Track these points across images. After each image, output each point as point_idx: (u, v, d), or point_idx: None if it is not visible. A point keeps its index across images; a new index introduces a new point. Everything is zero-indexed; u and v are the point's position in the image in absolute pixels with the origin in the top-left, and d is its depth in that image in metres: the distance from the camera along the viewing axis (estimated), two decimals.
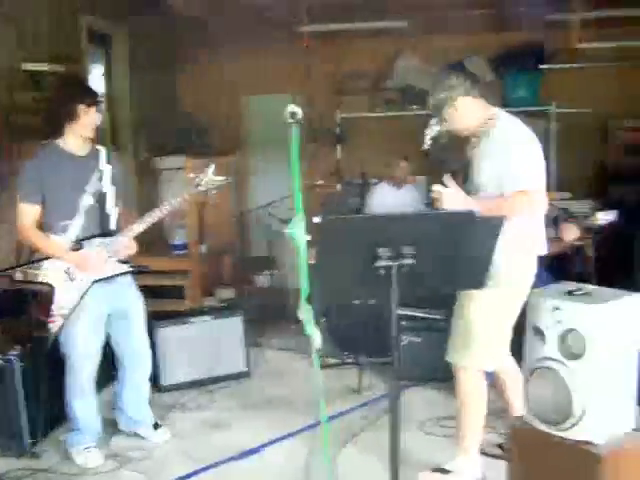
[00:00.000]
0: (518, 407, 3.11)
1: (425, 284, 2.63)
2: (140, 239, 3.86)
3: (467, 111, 3.40)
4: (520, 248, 3.31)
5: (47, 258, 3.66)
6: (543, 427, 2.33)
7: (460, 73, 3.45)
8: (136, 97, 7.72)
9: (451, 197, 3.26)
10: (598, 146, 8.80)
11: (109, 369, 4.30)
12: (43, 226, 3.71)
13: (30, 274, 3.70)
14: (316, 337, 3.12)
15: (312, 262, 3.03)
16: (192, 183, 3.79)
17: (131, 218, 3.85)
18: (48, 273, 3.69)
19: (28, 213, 3.69)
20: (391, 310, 2.60)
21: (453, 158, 3.66)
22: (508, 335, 3.40)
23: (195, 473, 3.79)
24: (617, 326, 2.19)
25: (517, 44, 8.42)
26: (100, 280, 3.74)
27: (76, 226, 3.71)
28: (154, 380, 4.54)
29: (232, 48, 8.93)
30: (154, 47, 8.42)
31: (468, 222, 2.55)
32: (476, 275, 2.65)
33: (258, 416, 4.53)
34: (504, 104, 3.67)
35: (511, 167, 3.21)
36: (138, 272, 3.98)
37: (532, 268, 3.40)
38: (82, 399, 3.90)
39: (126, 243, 3.76)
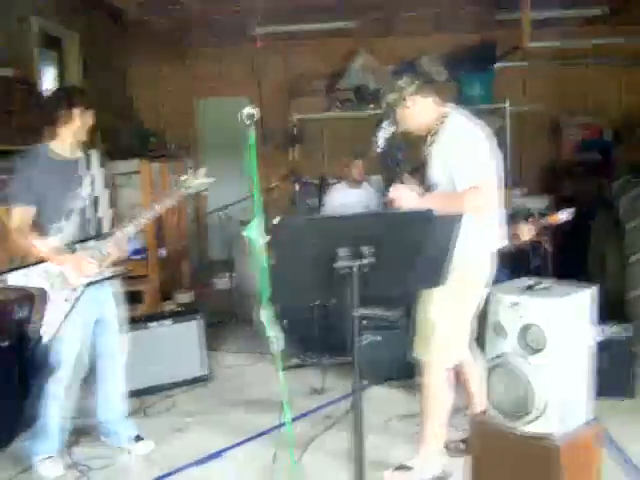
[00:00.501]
0: (480, 402, 3.15)
1: (384, 283, 2.63)
2: None
3: (418, 110, 3.44)
4: (474, 244, 3.33)
5: (41, 262, 3.64)
6: (504, 421, 2.36)
7: (410, 73, 3.47)
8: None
9: (407, 196, 3.32)
10: (551, 143, 8.96)
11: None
12: (35, 229, 3.66)
13: (25, 278, 3.64)
14: (277, 339, 3.13)
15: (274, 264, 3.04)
16: (182, 185, 3.79)
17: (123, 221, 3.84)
18: (42, 277, 3.65)
19: (21, 215, 3.64)
20: (351, 310, 2.60)
21: (408, 158, 3.68)
22: (468, 330, 3.44)
23: (159, 479, 3.75)
24: (575, 319, 2.23)
25: (470, 43, 8.53)
26: (92, 283, 3.73)
27: (69, 228, 3.70)
28: None
29: (184, 51, 8.90)
30: (106, 50, 8.33)
31: (426, 221, 2.56)
32: (435, 273, 2.66)
33: (220, 420, 4.50)
34: (459, 102, 3.72)
35: (459, 163, 3.26)
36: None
37: (487, 263, 3.45)
38: (59, 405, 3.83)
39: (118, 245, 3.76)
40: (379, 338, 4.93)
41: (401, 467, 3.60)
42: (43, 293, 3.66)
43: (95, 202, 3.81)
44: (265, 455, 3.82)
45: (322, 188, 6.41)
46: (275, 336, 3.09)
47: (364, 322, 4.90)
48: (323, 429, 4.26)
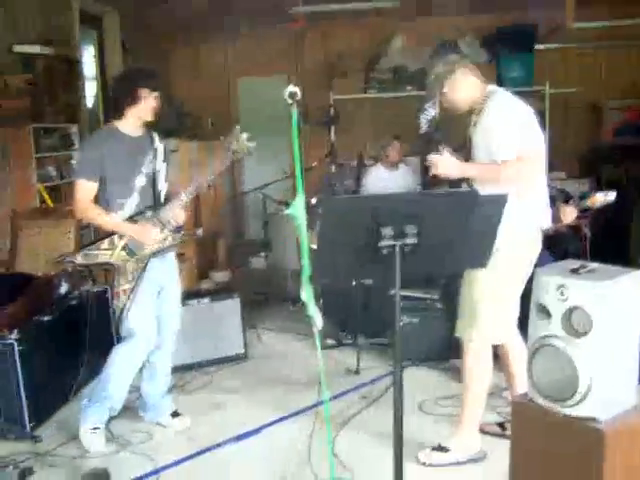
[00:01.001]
0: (521, 384, 3.14)
1: (428, 264, 2.63)
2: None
3: (466, 85, 3.44)
4: (522, 221, 3.32)
5: (106, 237, 3.77)
6: (547, 404, 2.35)
7: (458, 49, 3.47)
8: None
9: (445, 163, 3.32)
10: (591, 126, 8.82)
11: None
12: (99, 204, 3.77)
13: (91, 255, 3.78)
14: (317, 318, 3.13)
15: (312, 245, 3.04)
16: (228, 149, 3.82)
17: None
18: (107, 252, 3.78)
19: (86, 189, 3.74)
20: (392, 290, 2.61)
21: (447, 141, 3.65)
22: (514, 309, 3.44)
23: (196, 454, 3.80)
24: (622, 303, 2.20)
25: (510, 24, 8.41)
26: (157, 253, 3.84)
27: (131, 204, 3.79)
28: None
29: (224, 30, 8.89)
30: (145, 29, 8.37)
31: (471, 201, 2.55)
32: (480, 254, 2.65)
33: (257, 398, 4.54)
34: (498, 84, 3.71)
35: (502, 135, 3.24)
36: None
37: (534, 243, 3.43)
38: (124, 376, 3.92)
39: (176, 212, 3.84)
40: (416, 320, 4.92)
41: (438, 448, 3.62)
42: (111, 266, 3.79)
43: (155, 177, 3.88)
44: (302, 433, 3.85)
45: (359, 169, 6.39)
46: (315, 315, 3.09)
47: (401, 304, 4.90)
48: (359, 409, 4.28)
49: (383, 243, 2.42)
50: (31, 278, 4.80)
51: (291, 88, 2.98)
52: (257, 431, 4.04)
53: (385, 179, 6.42)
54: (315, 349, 3.16)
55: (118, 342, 4.02)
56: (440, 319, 4.97)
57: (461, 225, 2.52)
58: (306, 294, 3.06)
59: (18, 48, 5.68)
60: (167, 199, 3.94)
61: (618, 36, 8.22)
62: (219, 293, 5.24)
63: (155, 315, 3.97)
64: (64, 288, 4.77)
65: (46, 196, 5.82)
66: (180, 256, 6.22)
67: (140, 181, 3.81)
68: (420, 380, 4.66)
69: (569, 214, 4.15)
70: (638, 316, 2.32)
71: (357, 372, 4.87)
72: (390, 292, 4.78)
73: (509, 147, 3.23)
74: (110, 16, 7.72)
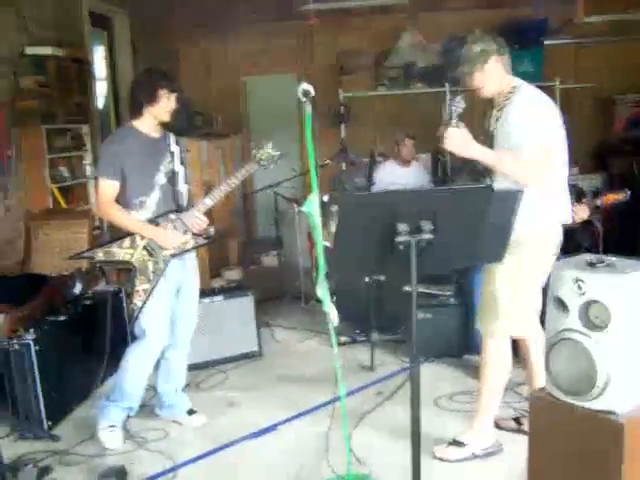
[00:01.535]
0: (540, 378, 3.14)
1: (443, 259, 2.63)
2: None
3: (495, 73, 3.41)
4: (544, 214, 3.34)
5: (126, 236, 3.81)
6: (565, 398, 2.35)
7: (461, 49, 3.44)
8: None
9: (456, 136, 3.24)
10: (602, 121, 8.78)
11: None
12: (120, 203, 3.81)
13: (111, 253, 3.82)
14: (333, 314, 3.14)
15: (325, 242, 3.05)
16: (253, 158, 3.91)
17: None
18: (128, 251, 3.82)
19: (108, 188, 3.79)
20: (407, 286, 2.62)
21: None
22: (536, 303, 3.43)
23: (212, 452, 3.82)
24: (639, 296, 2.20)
25: (520, 19, 8.38)
26: (178, 254, 3.89)
27: (152, 203, 3.83)
28: None
29: (233, 29, 8.90)
30: (155, 29, 8.39)
31: (486, 196, 2.55)
32: (495, 249, 2.66)
33: (272, 395, 4.56)
34: None
35: (527, 129, 3.22)
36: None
37: (555, 234, 3.43)
38: (139, 375, 3.96)
39: (199, 216, 3.88)
40: (430, 316, 4.92)
41: (454, 442, 3.62)
42: (131, 265, 3.82)
43: (174, 178, 3.91)
44: (318, 430, 3.86)
45: (371, 166, 6.39)
46: (331, 312, 3.10)
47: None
48: (375, 405, 4.29)
49: (399, 239, 2.43)
50: (45, 279, 4.84)
51: (305, 86, 2.99)
52: (273, 428, 4.06)
53: (397, 175, 6.43)
54: (328, 346, 3.19)
55: (132, 341, 4.05)
56: (454, 315, 4.98)
57: (476, 220, 2.53)
58: (322, 291, 3.07)
59: (30, 50, 5.71)
60: (189, 202, 3.98)
61: (628, 30, 8.19)
62: (233, 291, 5.25)
63: (171, 314, 4.00)
64: (78, 288, 4.81)
65: (59, 197, 5.85)
66: None
67: (160, 179, 3.85)
68: (435, 376, 4.66)
69: (581, 212, 4.14)
70: None
71: (371, 368, 4.88)
72: (405, 288, 4.80)
73: (535, 146, 3.21)
74: (120, 17, 7.75)
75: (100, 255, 3.82)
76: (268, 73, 9.24)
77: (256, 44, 9.20)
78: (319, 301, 3.17)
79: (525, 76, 8.16)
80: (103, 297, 4.57)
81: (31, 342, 3.95)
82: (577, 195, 5.52)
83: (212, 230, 5.91)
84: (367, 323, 5.12)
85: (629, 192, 4.26)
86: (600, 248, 5.57)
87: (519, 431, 3.74)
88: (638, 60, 8.51)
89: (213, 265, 6.70)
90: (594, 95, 8.66)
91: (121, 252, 3.81)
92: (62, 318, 4.36)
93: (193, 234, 3.93)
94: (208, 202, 3.89)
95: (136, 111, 3.86)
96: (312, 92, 3.00)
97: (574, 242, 5.52)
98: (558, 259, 3.32)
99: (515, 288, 3.38)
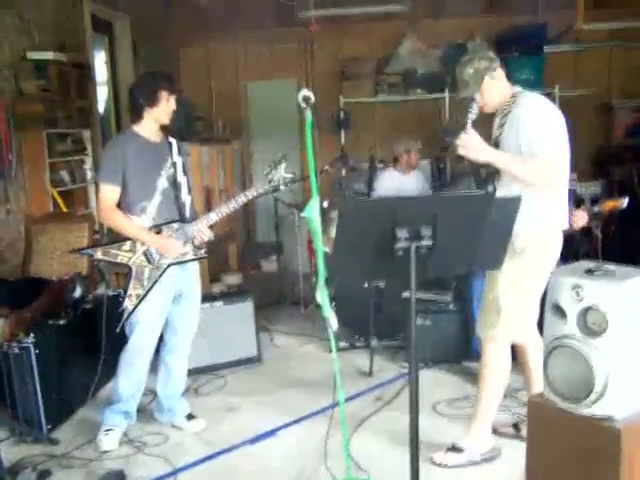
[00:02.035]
0: (539, 384, 3.15)
1: (443, 265, 2.64)
2: None
3: (501, 84, 3.46)
4: (547, 221, 3.36)
5: (128, 239, 3.83)
6: (563, 403, 2.36)
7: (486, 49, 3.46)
8: None
9: (469, 142, 3.27)
10: (602, 128, 8.80)
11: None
12: (122, 207, 3.83)
13: (111, 254, 3.84)
14: (333, 319, 3.15)
15: (324, 248, 3.06)
16: (265, 178, 3.94)
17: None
18: (127, 254, 3.84)
19: (109, 194, 3.80)
20: (406, 292, 2.63)
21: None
22: (536, 308, 3.43)
23: (211, 457, 3.83)
24: (637, 303, 2.21)
25: (520, 26, 8.40)
26: (175, 264, 3.89)
27: (153, 207, 3.84)
28: None
29: (234, 34, 8.92)
30: (156, 33, 8.41)
31: (486, 203, 2.57)
32: (494, 256, 2.67)
33: (271, 400, 4.56)
34: None
35: (536, 135, 3.23)
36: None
37: (558, 240, 3.45)
38: (131, 379, 3.98)
39: (202, 230, 3.90)
40: (428, 322, 4.93)
41: (452, 448, 3.63)
42: (128, 269, 3.84)
43: (177, 187, 3.93)
44: (317, 435, 3.87)
45: (371, 173, 6.40)
46: (331, 317, 3.11)
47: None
48: (374, 410, 4.30)
49: (398, 245, 2.44)
50: (45, 282, 4.84)
51: (305, 92, 3.00)
52: (272, 433, 4.07)
53: (397, 182, 6.43)
54: (327, 351, 3.19)
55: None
56: (453, 321, 4.99)
57: (476, 227, 2.54)
58: (321, 296, 3.08)
59: (31, 55, 5.72)
60: (192, 213, 4.01)
61: (628, 37, 8.21)
62: (232, 296, 5.26)
63: (171, 320, 4.04)
64: (78, 292, 4.81)
65: (59, 201, 5.86)
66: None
67: (161, 183, 3.86)
68: (434, 382, 4.67)
69: (580, 219, 4.16)
70: None
71: (370, 374, 4.89)
72: (404, 294, 4.81)
73: (547, 147, 3.22)
74: (121, 21, 7.77)
75: (99, 254, 3.84)
76: (269, 78, 9.26)
77: (257, 49, 9.23)
78: (318, 306, 3.18)
79: (525, 83, 8.20)
80: (103, 301, 4.58)
81: (31, 346, 3.96)
82: (576, 201, 5.53)
83: (212, 235, 5.94)
84: (366, 329, 5.13)
85: (627, 199, 4.28)
86: (599, 255, 5.59)
87: (517, 437, 3.75)
88: (638, 67, 8.53)
89: (213, 270, 6.71)
90: (594, 102, 8.67)
91: (120, 254, 3.83)
92: (62, 322, 4.38)
93: (194, 246, 3.94)
94: (213, 217, 3.93)
95: (136, 114, 3.87)
96: (312, 98, 3.01)
97: (573, 249, 5.54)
98: (557, 266, 3.34)
99: (517, 294, 3.39)
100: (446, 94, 8.22)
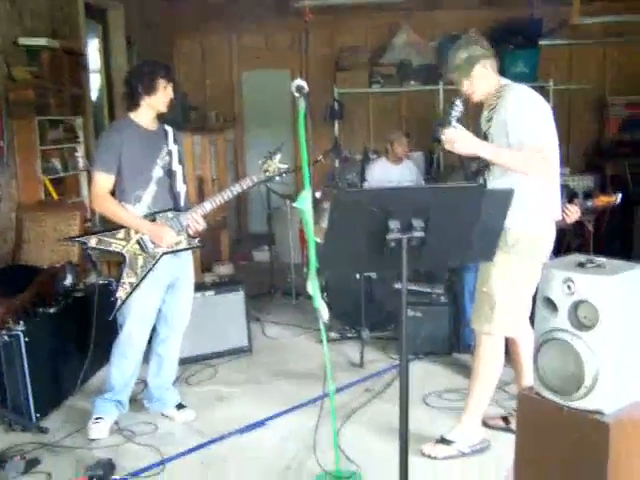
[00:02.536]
0: (529, 377, 3.16)
1: (434, 257, 2.64)
2: None
3: (491, 75, 3.45)
4: (539, 213, 3.36)
5: (121, 228, 3.82)
6: (553, 397, 2.36)
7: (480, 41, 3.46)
8: None
9: (454, 137, 3.25)
10: (596, 122, 8.81)
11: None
12: (116, 196, 3.82)
13: (105, 242, 3.82)
14: (323, 310, 3.15)
15: (317, 239, 3.05)
16: (260, 168, 3.94)
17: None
18: (121, 242, 3.82)
19: (103, 181, 3.79)
20: (398, 283, 2.62)
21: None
22: (528, 302, 3.43)
23: (201, 446, 3.82)
24: (628, 297, 2.21)
25: (516, 19, 8.40)
26: (169, 253, 3.88)
27: (148, 196, 3.83)
28: None
29: (229, 24, 8.89)
30: (151, 21, 8.37)
31: (478, 195, 2.56)
32: (486, 248, 2.66)
33: (261, 390, 4.56)
34: None
35: (525, 126, 3.23)
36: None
37: (550, 232, 3.45)
38: (124, 368, 3.97)
39: (197, 219, 3.88)
40: (420, 314, 4.93)
41: (442, 440, 3.63)
42: (121, 257, 3.82)
43: (172, 176, 3.91)
44: (306, 425, 3.87)
45: (364, 164, 6.40)
46: (321, 308, 3.10)
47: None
48: (364, 402, 4.30)
49: (390, 236, 2.43)
50: (36, 270, 4.82)
51: (298, 82, 2.99)
52: (261, 423, 4.06)
53: (389, 173, 6.44)
54: (318, 342, 3.19)
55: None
56: (444, 313, 4.99)
57: (468, 219, 2.54)
58: (312, 287, 3.07)
59: (24, 40, 5.67)
60: (186, 203, 3.99)
61: (623, 32, 8.21)
62: (223, 286, 5.25)
63: (164, 309, 4.03)
64: (69, 280, 4.80)
65: (51, 189, 5.83)
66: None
67: (157, 172, 3.85)
68: (424, 373, 4.68)
69: (573, 214, 4.15)
70: None
71: (361, 365, 4.89)
72: (395, 286, 4.81)
73: (535, 136, 3.22)
74: (115, 9, 7.72)
75: (93, 242, 3.82)
76: (263, 68, 9.23)
77: (252, 39, 9.20)
78: (310, 297, 3.17)
79: (519, 76, 8.24)
80: (94, 289, 4.57)
81: (21, 334, 3.94)
82: (569, 196, 5.54)
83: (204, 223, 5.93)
84: (358, 320, 5.13)
85: (620, 195, 4.27)
86: (590, 249, 5.60)
87: (507, 430, 3.76)
88: (632, 62, 8.54)
89: (204, 259, 6.69)
90: (588, 96, 8.69)
91: (114, 242, 3.81)
92: (52, 310, 4.36)
93: (187, 235, 3.93)
94: (207, 206, 3.91)
95: (133, 102, 3.85)
96: (306, 88, 3.00)
97: (565, 243, 5.55)
98: (549, 260, 3.34)
99: (511, 287, 3.39)
100: (440, 86, 8.21)
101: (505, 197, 2.58)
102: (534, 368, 2.44)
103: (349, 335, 5.41)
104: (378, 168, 6.58)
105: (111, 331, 4.15)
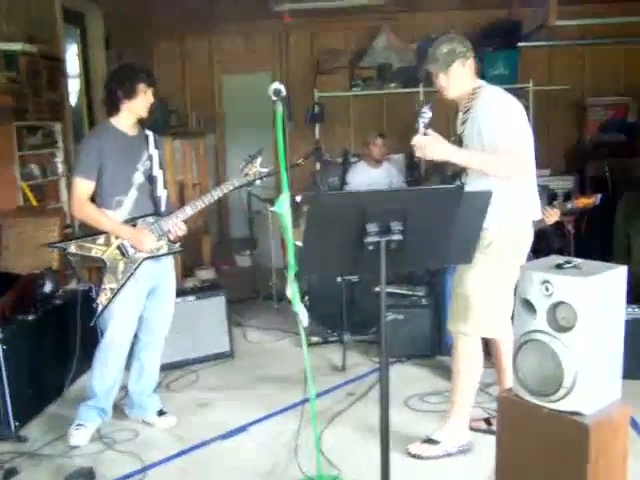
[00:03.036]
0: (510, 379, 3.16)
1: (413, 260, 2.64)
2: None
3: (468, 75, 3.44)
4: (515, 214, 3.37)
5: (102, 233, 3.79)
6: (532, 398, 2.36)
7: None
8: None
9: (424, 143, 3.25)
10: (575, 123, 8.87)
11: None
12: (97, 201, 3.79)
13: (85, 248, 3.79)
14: (303, 315, 3.14)
15: (297, 242, 3.04)
16: (241, 172, 3.93)
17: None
18: (101, 248, 3.79)
19: (83, 187, 3.76)
20: (377, 286, 2.61)
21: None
22: (509, 303, 3.41)
23: (183, 453, 3.80)
24: (606, 298, 2.22)
25: (495, 21, 8.44)
26: (150, 258, 3.85)
27: (129, 202, 3.80)
28: None
29: (209, 27, 8.87)
30: (129, 25, 8.32)
31: (456, 197, 2.56)
32: (464, 250, 2.66)
33: (243, 395, 4.54)
34: None
35: (496, 128, 3.24)
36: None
37: (528, 234, 3.45)
38: (106, 375, 3.93)
39: (177, 224, 3.86)
40: (401, 316, 4.93)
41: (428, 440, 3.63)
42: (102, 263, 3.79)
43: (153, 181, 3.89)
44: (288, 430, 3.85)
45: (345, 167, 6.40)
46: (301, 312, 3.09)
47: (387, 300, 4.91)
48: (346, 405, 4.28)
49: (368, 239, 2.43)
50: (15, 277, 4.77)
51: (276, 85, 2.98)
52: (243, 429, 4.04)
53: (369, 176, 6.44)
54: (300, 346, 3.17)
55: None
56: (425, 315, 4.99)
57: (446, 221, 2.54)
58: (291, 291, 3.06)
59: (1, 46, 5.63)
60: (167, 208, 3.96)
61: (601, 34, 8.26)
62: (205, 291, 5.22)
63: (146, 315, 4.00)
64: (49, 287, 4.75)
65: (30, 195, 5.78)
66: None
67: (138, 178, 3.82)
68: (406, 376, 4.67)
69: (552, 216, 4.18)
70: (622, 311, 2.34)
71: (343, 369, 4.88)
72: (375, 289, 4.79)
73: (506, 140, 3.22)
74: (93, 13, 7.68)
75: (73, 248, 3.78)
76: (244, 72, 9.22)
77: (233, 43, 9.18)
78: (290, 302, 3.16)
79: (499, 78, 8.27)
80: (74, 296, 4.52)
81: None
82: (549, 198, 5.56)
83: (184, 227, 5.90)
84: (339, 323, 5.12)
85: (599, 196, 4.30)
86: (571, 250, 5.63)
87: (489, 431, 3.75)
88: (611, 63, 8.61)
89: (186, 265, 6.66)
90: (567, 97, 8.74)
91: (94, 248, 3.78)
92: (31, 317, 4.30)
93: (168, 240, 3.91)
94: (188, 211, 3.89)
95: (113, 107, 3.82)
96: (283, 91, 2.99)
97: (545, 244, 5.57)
98: (528, 260, 3.35)
99: (488, 288, 3.39)
100: (421, 88, 8.22)
101: (483, 199, 2.58)
102: (513, 370, 2.45)
103: (331, 339, 5.40)
104: (359, 171, 6.58)
105: (91, 338, 4.11)
